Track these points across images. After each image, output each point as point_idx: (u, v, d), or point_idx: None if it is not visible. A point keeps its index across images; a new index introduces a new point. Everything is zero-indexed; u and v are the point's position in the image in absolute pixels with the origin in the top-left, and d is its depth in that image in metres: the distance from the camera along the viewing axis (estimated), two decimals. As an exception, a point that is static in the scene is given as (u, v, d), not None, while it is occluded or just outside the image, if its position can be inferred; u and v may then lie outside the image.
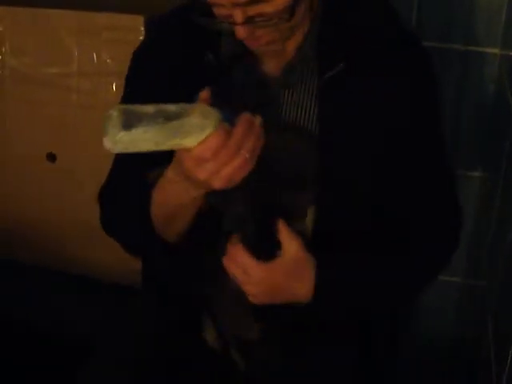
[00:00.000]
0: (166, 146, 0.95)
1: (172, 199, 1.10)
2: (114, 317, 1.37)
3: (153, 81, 1.18)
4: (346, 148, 1.12)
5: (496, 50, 1.67)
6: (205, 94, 0.99)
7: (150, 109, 0.95)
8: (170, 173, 1.06)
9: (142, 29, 1.54)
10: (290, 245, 1.09)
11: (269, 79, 1.17)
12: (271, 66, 1.17)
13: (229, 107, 0.99)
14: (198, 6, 1.06)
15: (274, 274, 1.10)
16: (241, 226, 1.11)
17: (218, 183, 0.98)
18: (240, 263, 1.09)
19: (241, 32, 1.04)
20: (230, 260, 1.10)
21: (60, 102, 1.66)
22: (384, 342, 1.29)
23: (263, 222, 1.10)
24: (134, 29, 1.55)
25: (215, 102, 0.99)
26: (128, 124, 0.92)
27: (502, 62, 1.68)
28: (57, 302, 1.70)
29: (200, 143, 0.95)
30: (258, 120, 0.99)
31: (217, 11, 1.05)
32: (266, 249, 1.10)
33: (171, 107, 0.95)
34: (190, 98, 1.09)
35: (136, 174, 1.15)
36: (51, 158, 1.72)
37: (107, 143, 0.92)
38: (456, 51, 1.70)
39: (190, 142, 0.95)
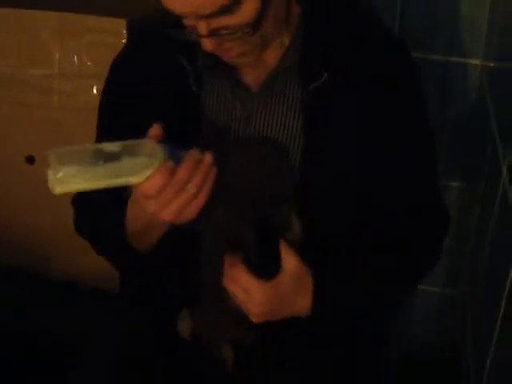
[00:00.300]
0: (108, 184, 0.95)
1: (141, 219, 1.09)
2: (96, 320, 1.37)
3: (130, 90, 1.17)
4: (331, 159, 1.11)
5: (477, 61, 1.68)
6: (155, 130, 0.98)
7: (90, 148, 0.95)
8: (133, 196, 1.06)
9: (124, 32, 1.54)
10: (290, 260, 1.09)
11: (247, 90, 1.15)
12: (251, 77, 1.15)
13: (179, 143, 0.98)
14: (168, 16, 1.03)
15: (277, 293, 1.08)
16: (240, 248, 1.08)
17: (166, 217, 0.98)
18: (242, 284, 1.08)
19: (207, 44, 1.03)
20: (231, 281, 1.08)
21: (41, 104, 1.65)
22: (367, 353, 1.28)
23: (260, 242, 1.08)
24: (116, 32, 1.54)
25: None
26: (66, 164, 0.93)
27: (483, 72, 1.69)
28: (39, 306, 1.69)
29: (144, 181, 0.95)
30: (207, 157, 0.98)
31: (185, 22, 1.04)
32: (266, 267, 1.09)
33: (113, 147, 0.95)
34: (167, 107, 1.10)
35: None
36: (30, 160, 1.70)
37: (50, 185, 0.93)
38: (437, 62, 1.70)
39: (135, 179, 0.95)
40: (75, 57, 1.60)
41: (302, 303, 1.10)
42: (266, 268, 1.08)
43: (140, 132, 0.98)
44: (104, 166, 0.94)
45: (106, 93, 1.24)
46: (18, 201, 1.75)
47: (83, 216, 1.25)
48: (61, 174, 0.93)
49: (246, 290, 1.08)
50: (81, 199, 1.24)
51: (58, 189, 0.93)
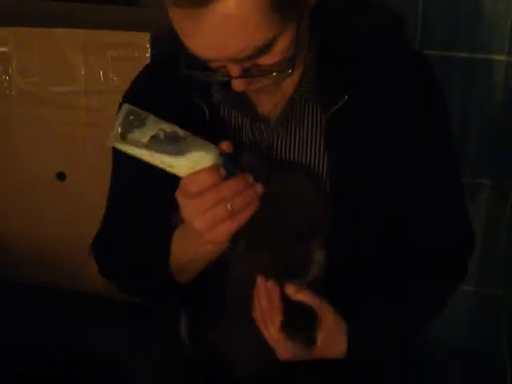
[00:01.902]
0: (162, 161, 0.94)
1: (188, 253, 1.08)
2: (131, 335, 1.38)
3: None
4: (358, 183, 1.08)
5: (502, 57, 1.67)
6: (225, 145, 0.96)
7: (160, 121, 0.96)
8: (181, 231, 1.06)
9: (148, 46, 1.54)
10: (326, 315, 1.07)
11: (265, 122, 1.12)
12: (268, 107, 1.12)
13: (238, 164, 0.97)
14: (183, 55, 0.99)
15: (308, 351, 1.08)
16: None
17: (198, 225, 0.96)
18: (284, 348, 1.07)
19: (239, 85, 0.99)
20: (264, 326, 1.07)
21: (68, 120, 1.66)
22: (397, 355, 1.28)
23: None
24: (140, 46, 1.55)
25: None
26: (134, 123, 0.94)
27: (508, 68, 1.67)
28: (68, 320, 1.70)
29: (192, 174, 0.94)
30: (259, 187, 0.97)
31: (213, 65, 0.98)
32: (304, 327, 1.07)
33: (181, 132, 0.96)
34: None
35: (139, 220, 1.14)
36: (61, 176, 1.72)
37: (110, 137, 0.94)
38: (462, 59, 1.69)
39: (181, 168, 0.95)
40: (100, 72, 1.61)
41: (336, 351, 1.10)
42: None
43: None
44: (166, 142, 0.94)
45: None
46: (50, 217, 1.76)
47: (111, 255, 1.22)
48: (120, 131, 0.93)
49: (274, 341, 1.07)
50: (106, 241, 1.23)
51: (116, 144, 0.94)
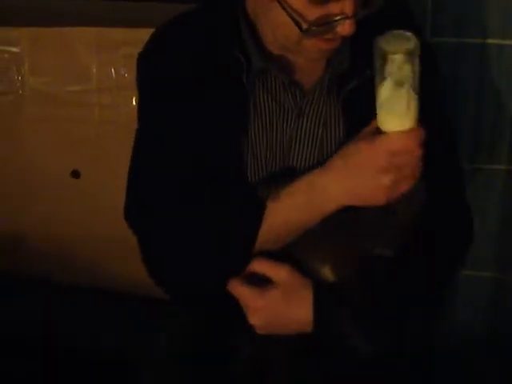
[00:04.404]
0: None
1: (303, 213, 1.09)
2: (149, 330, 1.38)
3: (182, 73, 1.15)
4: None
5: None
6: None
7: None
8: (337, 162, 1.06)
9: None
10: (279, 272, 1.11)
11: (300, 88, 1.15)
12: (305, 78, 1.16)
13: None
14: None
15: (271, 300, 1.10)
16: None
17: (402, 187, 1.03)
18: (240, 296, 1.11)
19: (350, 26, 1.02)
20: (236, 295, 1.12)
21: (82, 118, 1.68)
22: (418, 343, 1.28)
23: None
24: (150, 42, 1.55)
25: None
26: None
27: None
28: (89, 317, 1.71)
29: (410, 130, 1.00)
30: None
31: (327, 10, 1.01)
32: None
33: None
34: (219, 96, 1.12)
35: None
36: (76, 174, 1.73)
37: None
38: (474, 45, 1.68)
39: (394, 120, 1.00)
40: (112, 69, 1.62)
41: (302, 314, 1.10)
42: None
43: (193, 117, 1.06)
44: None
45: (156, 74, 1.19)
46: (65, 215, 1.77)
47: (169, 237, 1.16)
48: None
49: (245, 302, 1.11)
50: (147, 214, 1.18)
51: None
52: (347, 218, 1.09)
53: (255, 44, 1.12)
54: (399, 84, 0.98)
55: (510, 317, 1.79)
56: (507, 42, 1.67)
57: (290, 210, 1.09)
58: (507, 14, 1.64)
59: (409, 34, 0.99)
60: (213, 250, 1.12)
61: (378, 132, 1.02)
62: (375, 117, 1.06)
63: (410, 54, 0.98)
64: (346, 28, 1.02)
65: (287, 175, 1.13)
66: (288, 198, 1.08)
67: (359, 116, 1.11)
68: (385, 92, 1.00)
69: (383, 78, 1.00)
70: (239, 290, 1.12)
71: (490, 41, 1.67)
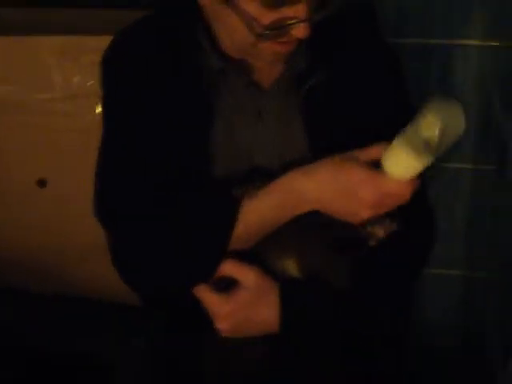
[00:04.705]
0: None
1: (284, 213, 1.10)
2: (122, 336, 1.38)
3: (144, 85, 1.15)
4: (332, 142, 1.12)
5: (476, 42, 1.68)
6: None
7: None
8: (325, 174, 1.07)
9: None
10: (247, 275, 1.11)
11: (259, 88, 1.16)
12: (264, 77, 1.16)
13: None
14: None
15: (238, 304, 1.11)
16: None
17: (365, 214, 1.05)
18: (206, 302, 1.11)
19: (305, 30, 1.02)
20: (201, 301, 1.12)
21: (47, 127, 1.67)
22: (388, 342, 1.28)
23: None
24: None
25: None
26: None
27: (482, 53, 1.68)
28: (59, 324, 1.71)
29: (410, 180, 1.02)
30: None
31: (281, 14, 1.01)
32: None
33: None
34: (181, 101, 1.12)
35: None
36: (41, 183, 1.72)
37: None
38: (437, 46, 1.70)
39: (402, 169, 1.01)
40: (76, 78, 1.61)
41: (269, 315, 1.11)
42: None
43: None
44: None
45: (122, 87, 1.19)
46: (33, 224, 1.76)
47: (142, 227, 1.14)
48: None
49: (210, 308, 1.11)
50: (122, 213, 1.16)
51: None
52: (315, 217, 1.10)
53: (212, 46, 1.13)
54: (424, 143, 0.98)
55: (479, 315, 1.81)
56: (470, 42, 1.69)
57: (266, 209, 1.09)
58: (470, 14, 1.66)
59: (462, 116, 0.99)
60: (185, 251, 1.11)
61: (378, 165, 1.04)
62: (335, 116, 1.11)
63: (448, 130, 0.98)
64: (300, 31, 1.03)
65: (255, 174, 1.14)
66: (265, 197, 1.09)
67: (318, 115, 1.13)
68: (406, 140, 1.00)
69: (413, 127, 0.99)
70: (206, 296, 1.12)
71: (453, 42, 1.69)
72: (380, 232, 1.10)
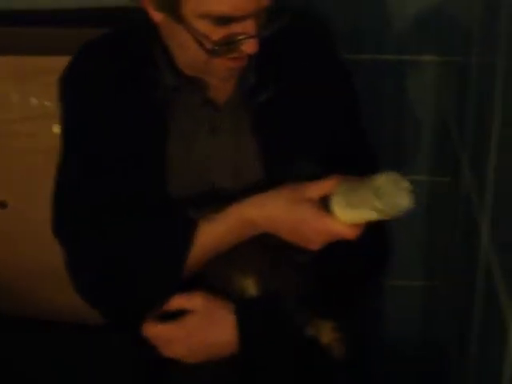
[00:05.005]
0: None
1: (230, 237, 1.11)
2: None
3: (101, 107, 1.18)
4: (286, 158, 1.15)
5: (432, 58, 1.71)
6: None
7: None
8: (276, 210, 1.08)
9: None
10: (194, 301, 1.12)
11: (214, 106, 1.18)
12: (219, 94, 1.18)
13: None
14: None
15: (189, 329, 1.12)
16: None
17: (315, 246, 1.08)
18: (156, 335, 1.12)
19: (254, 45, 1.06)
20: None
21: (5, 148, 1.65)
22: (351, 352, 1.29)
23: None
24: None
25: None
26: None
27: (438, 69, 1.71)
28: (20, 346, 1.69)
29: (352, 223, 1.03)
30: None
31: (230, 30, 1.04)
32: None
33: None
34: (136, 123, 1.14)
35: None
36: (2, 205, 1.71)
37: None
38: (390, 62, 1.73)
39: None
40: (33, 98, 1.61)
41: (224, 339, 1.12)
42: None
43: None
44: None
45: (79, 110, 1.21)
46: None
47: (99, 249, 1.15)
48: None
49: (155, 337, 1.12)
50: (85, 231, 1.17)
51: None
52: (274, 236, 1.12)
53: (167, 64, 1.15)
54: (367, 202, 1.00)
55: (441, 324, 1.83)
56: (425, 58, 1.72)
57: (222, 232, 1.11)
58: (423, 30, 1.70)
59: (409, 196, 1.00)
60: (142, 271, 1.12)
61: (328, 206, 1.05)
62: (285, 132, 1.15)
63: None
64: (250, 46, 1.06)
65: (210, 192, 1.17)
66: (221, 220, 1.11)
67: (269, 130, 1.16)
68: (350, 192, 1.03)
69: (367, 183, 1.01)
70: (155, 330, 1.12)
71: (406, 57, 1.73)
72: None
